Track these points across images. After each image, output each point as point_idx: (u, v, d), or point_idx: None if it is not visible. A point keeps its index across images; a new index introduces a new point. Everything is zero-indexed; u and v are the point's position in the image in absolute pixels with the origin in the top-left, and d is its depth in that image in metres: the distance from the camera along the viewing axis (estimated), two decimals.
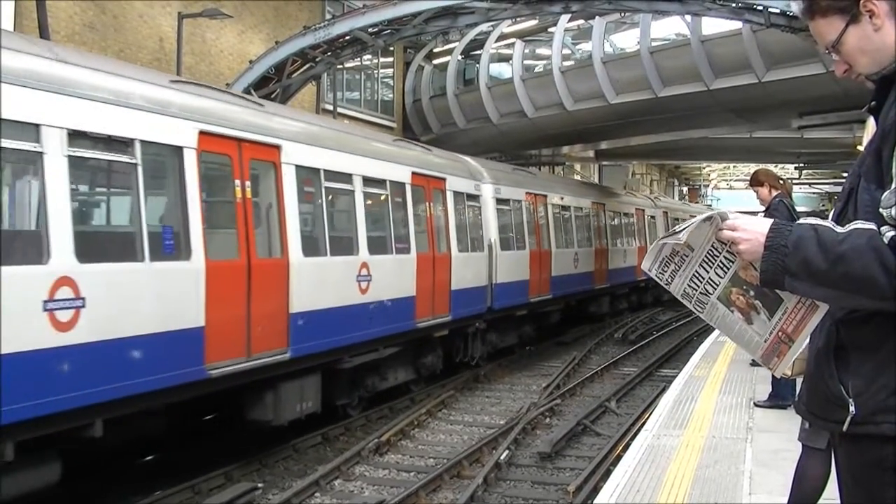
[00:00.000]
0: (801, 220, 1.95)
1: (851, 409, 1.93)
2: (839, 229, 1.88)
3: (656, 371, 15.96)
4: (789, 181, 8.96)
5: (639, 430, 8.65)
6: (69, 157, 6.60)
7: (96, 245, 7.23)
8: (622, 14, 20.40)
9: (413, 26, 16.43)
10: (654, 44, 20.24)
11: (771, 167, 32.15)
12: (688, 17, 18.41)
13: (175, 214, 7.90)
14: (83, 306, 6.56)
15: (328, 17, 20.73)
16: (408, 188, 12.60)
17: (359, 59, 21.57)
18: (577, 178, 38.13)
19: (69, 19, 14.64)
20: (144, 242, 7.30)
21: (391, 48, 23.63)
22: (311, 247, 9.84)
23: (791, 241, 1.91)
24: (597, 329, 22.07)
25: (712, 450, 6.60)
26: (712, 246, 2.09)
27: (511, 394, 13.97)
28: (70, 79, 6.79)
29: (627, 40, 22.37)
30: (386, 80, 26.07)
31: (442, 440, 10.94)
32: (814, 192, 51.49)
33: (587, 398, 13.46)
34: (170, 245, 7.81)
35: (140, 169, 7.31)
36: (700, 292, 2.12)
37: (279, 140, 9.39)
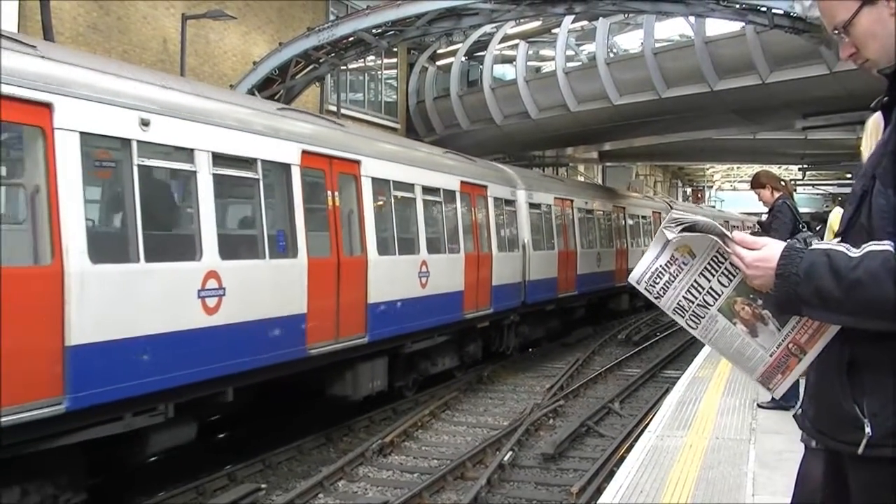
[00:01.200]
0: (815, 245, 1.88)
1: (867, 430, 1.84)
2: (853, 253, 1.80)
3: (660, 372, 15.96)
4: (791, 182, 8.93)
5: (642, 431, 8.63)
6: (213, 174, 8.01)
7: (232, 245, 8.55)
8: (626, 15, 20.41)
9: (417, 27, 16.46)
10: (657, 45, 20.23)
11: (774, 168, 32.17)
12: (691, 19, 18.40)
13: (285, 219, 9.36)
14: (224, 294, 7.98)
15: (332, 18, 20.78)
16: (457, 195, 14.07)
17: (362, 60, 21.59)
18: (581, 178, 38.13)
19: (73, 20, 14.66)
20: (265, 243, 8.81)
21: (395, 49, 23.65)
22: (383, 247, 11.32)
23: (802, 269, 1.83)
24: (600, 330, 22.08)
25: (716, 451, 6.59)
26: (717, 251, 1.96)
27: (514, 395, 13.97)
28: (211, 110, 8.21)
29: (631, 41, 22.39)
30: (389, 81, 26.05)
31: (445, 441, 10.95)
32: (817, 194, 51.27)
33: (590, 399, 13.47)
34: (282, 245, 9.22)
35: (261, 183, 8.81)
36: (697, 304, 1.98)
37: (359, 156, 10.89)
